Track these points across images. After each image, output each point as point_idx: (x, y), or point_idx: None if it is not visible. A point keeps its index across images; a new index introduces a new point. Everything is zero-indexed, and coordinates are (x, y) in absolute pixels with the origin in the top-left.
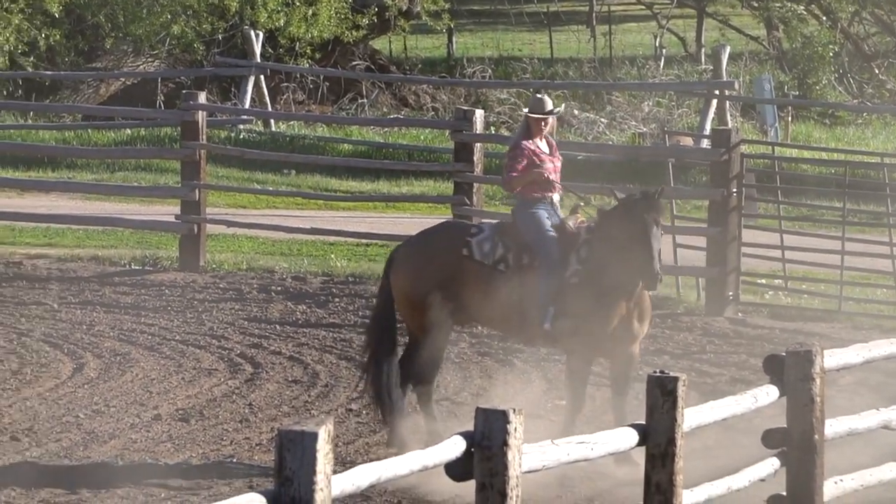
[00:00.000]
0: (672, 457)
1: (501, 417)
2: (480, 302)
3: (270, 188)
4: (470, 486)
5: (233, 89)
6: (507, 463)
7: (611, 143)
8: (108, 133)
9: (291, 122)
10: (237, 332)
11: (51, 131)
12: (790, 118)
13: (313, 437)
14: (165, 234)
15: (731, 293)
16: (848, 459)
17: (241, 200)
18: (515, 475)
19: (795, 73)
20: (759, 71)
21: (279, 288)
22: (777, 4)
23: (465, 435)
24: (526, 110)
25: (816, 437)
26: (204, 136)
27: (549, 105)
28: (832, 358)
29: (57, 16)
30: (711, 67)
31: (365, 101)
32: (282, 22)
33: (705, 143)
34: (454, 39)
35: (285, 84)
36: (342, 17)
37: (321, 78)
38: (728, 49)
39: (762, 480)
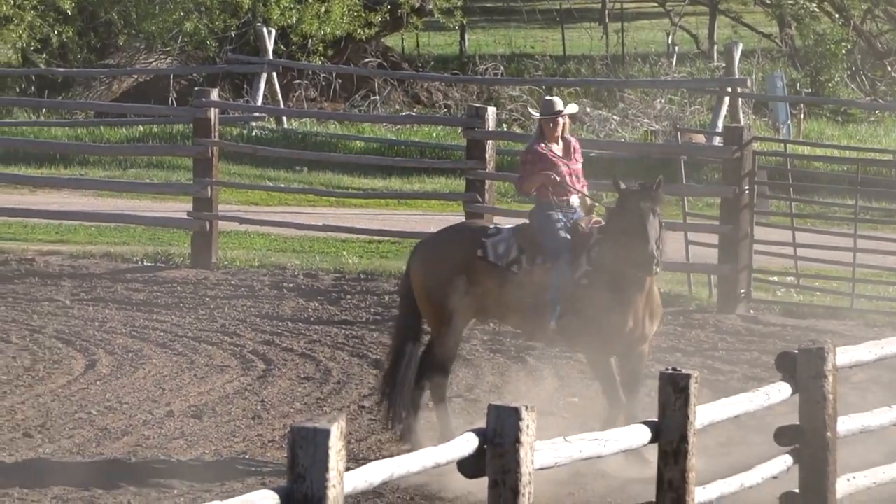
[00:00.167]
0: (684, 454)
1: (514, 414)
2: (495, 302)
3: (282, 185)
4: (482, 483)
5: (245, 86)
6: (519, 460)
7: (623, 140)
8: (120, 130)
9: (304, 119)
10: (249, 329)
11: (63, 128)
12: (802, 115)
13: (326, 433)
14: (178, 230)
15: (743, 290)
16: (860, 457)
17: (254, 197)
18: (528, 472)
19: (808, 71)
20: (772, 68)
21: (291, 285)
22: (790, 2)
23: (478, 432)
24: (536, 113)
25: (829, 434)
26: (216, 133)
27: (558, 105)
28: (844, 355)
29: (70, 13)
30: (724, 65)
31: (377, 98)
32: (294, 19)
33: (717, 141)
34: (466, 36)
35: (298, 81)
36: (355, 14)
37: (333, 75)
38: (740, 46)
39: (775, 478)
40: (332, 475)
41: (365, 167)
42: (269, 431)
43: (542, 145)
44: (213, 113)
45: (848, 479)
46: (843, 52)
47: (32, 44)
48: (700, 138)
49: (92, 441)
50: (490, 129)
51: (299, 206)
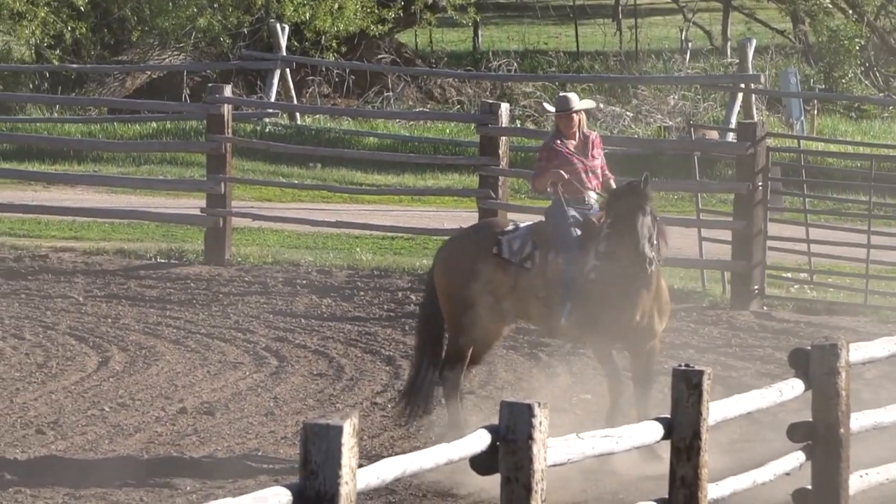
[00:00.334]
0: (697, 450)
1: (526, 411)
2: (510, 299)
3: (296, 181)
4: (495, 480)
5: (258, 83)
6: (532, 457)
7: (636, 136)
8: (133, 126)
9: (317, 116)
10: (262, 326)
11: (77, 124)
12: (816, 112)
13: (338, 430)
14: (191, 227)
15: (756, 287)
16: (873, 453)
17: (267, 194)
18: (540, 469)
19: (821, 67)
20: (785, 64)
21: (304, 281)
22: None
23: (491, 429)
24: (550, 108)
25: (842, 430)
26: (229, 130)
27: (572, 101)
28: (858, 352)
29: (83, 9)
30: (737, 61)
31: (390, 94)
32: (308, 15)
33: (731, 137)
34: (480, 33)
35: (311, 77)
36: (368, 10)
37: (347, 71)
38: (754, 42)
39: (787, 474)
40: (345, 472)
41: (378, 163)
42: (281, 428)
43: (558, 142)
44: (227, 109)
45: (861, 476)
46: (857, 48)
47: (46, 40)
48: (713, 134)
49: (104, 438)
50: (503, 125)
51: (313, 202)
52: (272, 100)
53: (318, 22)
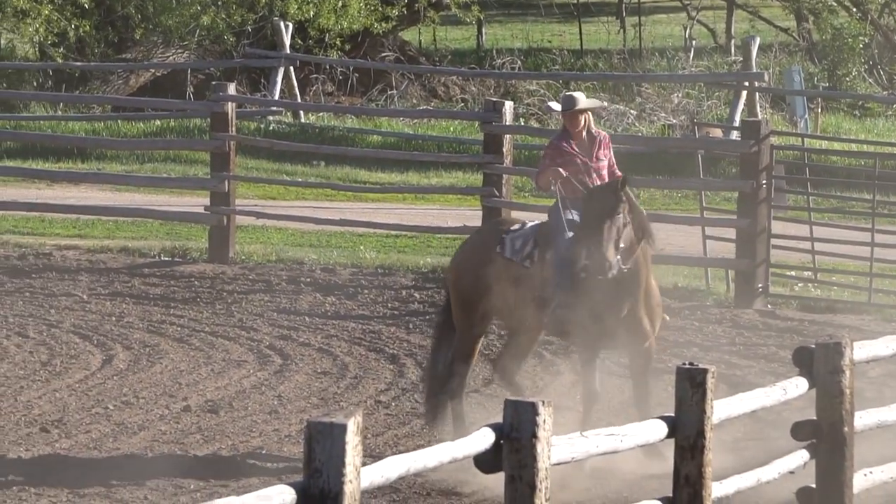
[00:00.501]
0: (701, 449)
1: (531, 409)
2: (511, 297)
3: (300, 179)
4: (499, 478)
5: (262, 80)
6: (536, 455)
7: (640, 134)
8: (137, 124)
9: (321, 114)
10: (266, 324)
11: (81, 122)
12: (820, 110)
13: (342, 428)
14: (195, 225)
15: (760, 285)
16: (877, 452)
17: (271, 192)
18: (544, 467)
19: (825, 65)
20: (789, 62)
21: (308, 279)
22: None
23: (495, 427)
24: (555, 106)
25: (846, 429)
26: (233, 128)
27: (577, 101)
28: (862, 350)
29: (87, 7)
30: (741, 59)
31: (394, 92)
32: (311, 13)
33: (735, 135)
34: (484, 31)
35: (315, 75)
36: (372, 8)
37: (351, 69)
38: (758, 40)
39: (791, 473)
40: (349, 470)
41: (382, 161)
42: (285, 426)
43: (564, 141)
44: (231, 107)
45: (865, 475)
46: (861, 46)
47: (50, 38)
48: (717, 132)
49: (109, 436)
50: (507, 123)
51: (316, 200)
52: (276, 98)
53: (321, 20)
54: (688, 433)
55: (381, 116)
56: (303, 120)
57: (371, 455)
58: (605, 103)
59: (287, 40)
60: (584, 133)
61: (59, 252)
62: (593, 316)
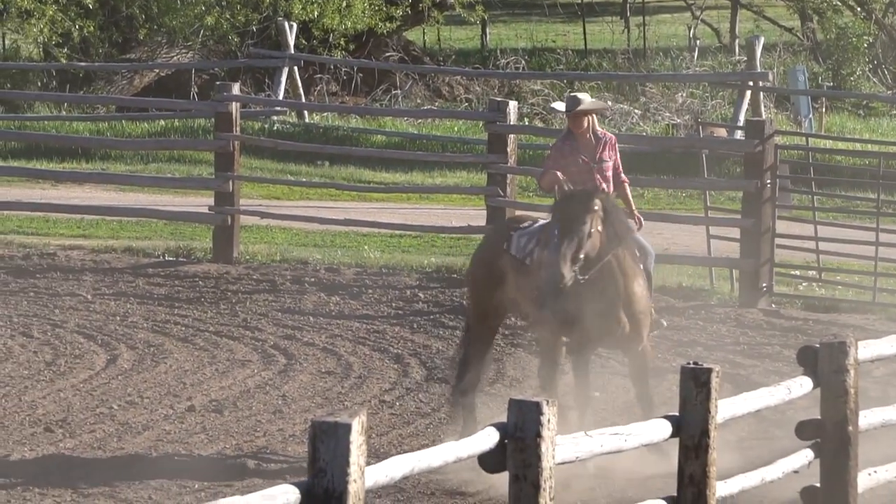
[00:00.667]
0: (706, 448)
1: (535, 409)
2: (513, 292)
3: (304, 179)
4: (503, 478)
5: (266, 80)
6: (540, 454)
7: (644, 134)
8: (141, 124)
9: (325, 114)
10: (271, 324)
11: (85, 122)
12: (824, 109)
13: (347, 428)
14: (199, 225)
15: (764, 284)
16: (882, 451)
17: (275, 192)
18: (549, 467)
19: (829, 64)
20: (794, 62)
21: (312, 279)
22: None
23: (499, 426)
24: (557, 107)
25: (850, 428)
26: (238, 128)
27: (580, 101)
28: (866, 349)
29: (91, 7)
30: (745, 58)
31: (398, 92)
32: (316, 13)
33: (739, 135)
34: (488, 30)
35: (319, 75)
36: (376, 8)
37: (355, 69)
38: (762, 40)
39: (796, 472)
40: (353, 470)
41: (386, 161)
42: (290, 426)
43: (567, 142)
44: (235, 107)
45: (869, 474)
46: (865, 45)
47: (54, 38)
48: (722, 132)
49: (113, 436)
50: (511, 123)
51: (321, 200)
52: (280, 98)
53: (326, 20)
54: (692, 432)
55: (385, 116)
56: (307, 120)
57: (375, 454)
58: (609, 104)
59: (291, 40)
60: (589, 134)
61: (64, 252)
62: (571, 321)
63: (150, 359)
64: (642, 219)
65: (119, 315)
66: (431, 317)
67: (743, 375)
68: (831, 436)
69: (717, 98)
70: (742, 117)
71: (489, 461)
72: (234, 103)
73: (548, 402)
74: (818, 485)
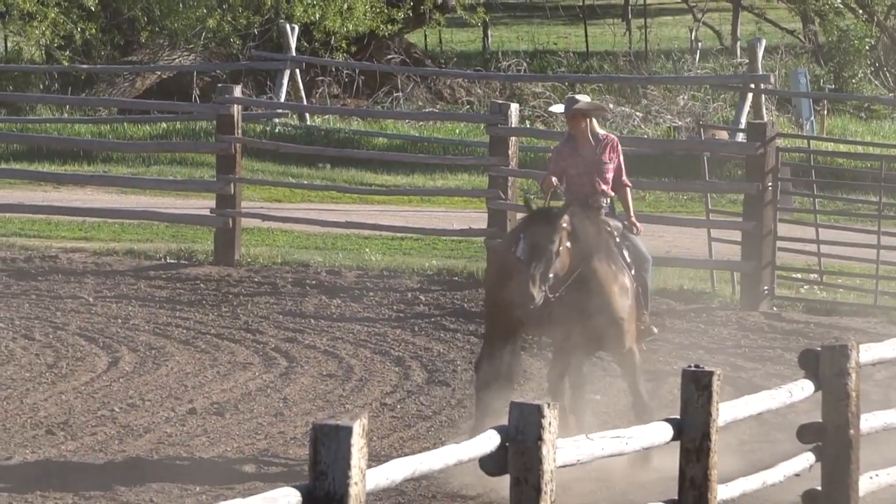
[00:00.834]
0: (707, 451)
1: (536, 412)
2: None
3: (305, 182)
4: (504, 481)
5: (268, 83)
6: (541, 458)
7: (646, 136)
8: (143, 127)
9: (326, 116)
10: (272, 326)
11: (87, 125)
12: (826, 112)
13: (348, 431)
14: (201, 227)
15: (766, 287)
16: (883, 455)
17: (276, 194)
18: (550, 470)
19: (831, 67)
20: (795, 64)
21: (314, 282)
22: None
23: (500, 429)
24: (556, 109)
25: (852, 431)
26: (239, 130)
27: (576, 102)
28: (868, 352)
29: (93, 10)
30: (747, 61)
31: (400, 94)
32: (317, 16)
33: (741, 137)
34: (489, 33)
35: (320, 78)
36: (377, 10)
37: (356, 72)
38: (764, 42)
39: (797, 475)
40: (354, 472)
41: (388, 164)
42: (291, 429)
43: (567, 145)
44: (237, 110)
45: (871, 477)
46: (867, 48)
47: (56, 41)
48: (723, 135)
49: (114, 438)
50: (513, 125)
51: (322, 202)
52: (282, 100)
53: (327, 22)
54: (693, 435)
55: (387, 119)
56: (308, 122)
57: (376, 457)
58: (611, 106)
59: (293, 43)
60: (589, 136)
61: (65, 254)
62: (548, 328)
63: (151, 361)
64: (639, 225)
65: (120, 317)
66: (433, 319)
67: (744, 378)
68: (833, 439)
69: (719, 101)
70: (743, 120)
71: (490, 464)
72: (235, 106)
73: (549, 405)
74: (819, 488)
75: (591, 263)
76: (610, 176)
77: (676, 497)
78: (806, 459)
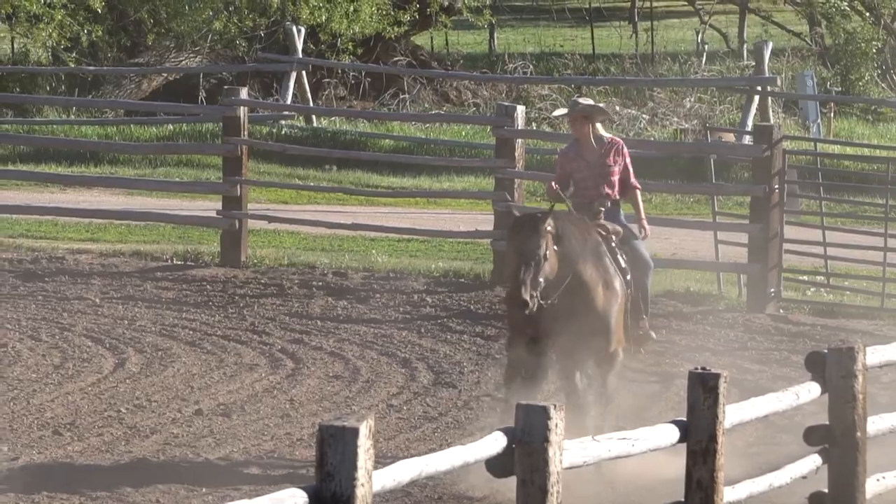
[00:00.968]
0: (713, 453)
1: (542, 413)
2: None
3: (312, 184)
4: (510, 482)
5: (274, 85)
6: (547, 459)
7: (652, 139)
8: (150, 128)
9: (333, 118)
10: (278, 328)
11: (93, 126)
12: (832, 114)
13: (354, 432)
14: (207, 229)
15: (772, 290)
16: (890, 457)
17: (283, 196)
18: (556, 471)
19: (838, 69)
20: (802, 67)
21: (320, 283)
22: (820, 0)
23: (506, 431)
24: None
25: (858, 434)
26: (245, 132)
27: (577, 104)
28: (874, 355)
29: (100, 11)
30: (754, 63)
31: (406, 96)
32: (323, 18)
33: (747, 140)
34: (495, 35)
35: (327, 80)
36: (384, 12)
37: (363, 73)
38: (770, 45)
39: (804, 477)
40: (361, 474)
41: (394, 166)
42: (297, 430)
43: (571, 149)
44: (243, 111)
45: (877, 480)
46: (874, 50)
47: (63, 42)
48: (730, 137)
49: (121, 439)
50: (519, 127)
51: (328, 204)
52: (288, 102)
53: (333, 24)
54: (700, 438)
55: (393, 120)
56: (315, 124)
57: (383, 459)
58: (616, 107)
59: (299, 45)
60: (592, 139)
61: (72, 256)
62: (544, 334)
63: (157, 362)
64: (647, 228)
65: (127, 319)
66: (439, 321)
67: (751, 381)
68: (839, 441)
69: (725, 103)
70: (750, 122)
71: (497, 465)
72: (242, 107)
73: (555, 406)
74: (826, 490)
75: (577, 268)
76: (615, 179)
77: (683, 499)
78: (812, 462)
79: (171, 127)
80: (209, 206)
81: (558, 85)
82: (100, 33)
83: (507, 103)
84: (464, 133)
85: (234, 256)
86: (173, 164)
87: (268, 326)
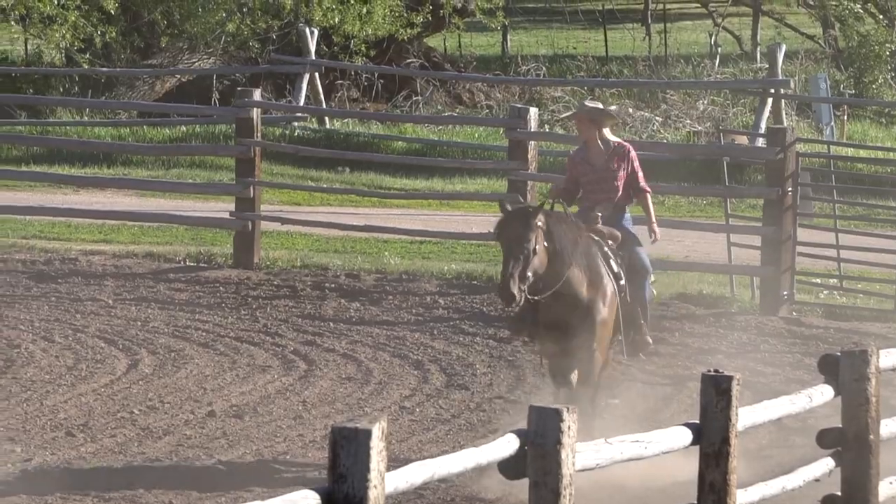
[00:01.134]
0: (726, 456)
1: (555, 416)
2: None
3: (325, 185)
4: (523, 484)
5: (287, 86)
6: (560, 461)
7: (665, 141)
8: (163, 130)
9: (346, 120)
10: (291, 329)
11: (107, 128)
12: (846, 117)
13: (367, 434)
14: (220, 230)
15: (785, 292)
16: None
17: (296, 197)
18: (569, 474)
19: (851, 72)
20: (815, 69)
21: (333, 285)
22: (833, 3)
23: (519, 433)
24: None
25: (871, 437)
26: (259, 134)
27: (582, 106)
28: (888, 358)
29: (113, 13)
30: (767, 66)
31: (419, 98)
32: (336, 20)
33: (760, 142)
34: (508, 37)
35: (340, 81)
36: (397, 14)
37: (375, 75)
38: (784, 47)
39: (817, 480)
40: (374, 475)
41: (407, 167)
42: (310, 432)
43: (579, 152)
44: (256, 113)
45: (890, 483)
46: (887, 53)
47: (76, 44)
48: (743, 139)
49: (134, 440)
50: (532, 129)
51: (341, 206)
52: (301, 104)
53: (346, 26)
54: (713, 440)
55: (406, 122)
56: (328, 126)
57: (395, 460)
58: (629, 109)
59: (312, 46)
60: (599, 143)
61: (85, 257)
62: (530, 337)
63: (170, 364)
64: (658, 231)
65: (140, 320)
66: (451, 323)
67: (763, 383)
68: (852, 444)
69: (739, 105)
70: (763, 125)
71: (509, 468)
72: (255, 109)
73: (568, 409)
74: (839, 493)
75: (565, 268)
76: (619, 184)
77: (695, 502)
78: (825, 464)
79: (184, 128)
80: (222, 207)
81: (571, 87)
82: (113, 35)
83: (519, 105)
84: (477, 135)
85: (246, 258)
86: (186, 166)
87: (280, 328)
